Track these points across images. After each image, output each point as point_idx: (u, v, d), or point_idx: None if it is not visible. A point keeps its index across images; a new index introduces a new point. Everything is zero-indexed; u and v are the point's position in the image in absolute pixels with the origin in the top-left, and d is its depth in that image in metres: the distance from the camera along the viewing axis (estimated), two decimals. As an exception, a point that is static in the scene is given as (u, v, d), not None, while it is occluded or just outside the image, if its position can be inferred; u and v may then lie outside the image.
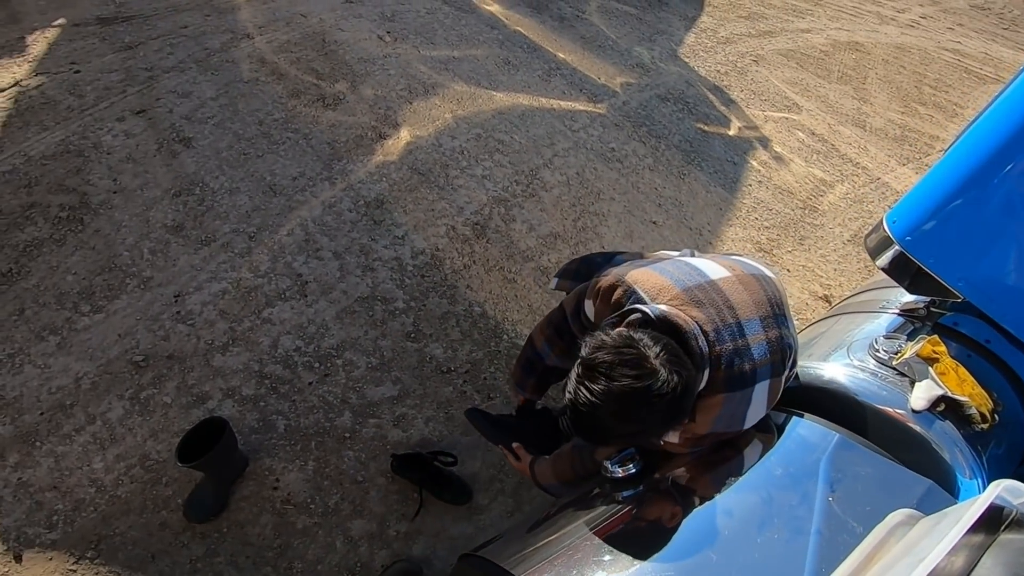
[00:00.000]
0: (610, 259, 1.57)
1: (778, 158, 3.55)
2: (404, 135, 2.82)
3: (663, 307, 1.07)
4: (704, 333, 1.05)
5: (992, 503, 0.79)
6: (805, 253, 3.06)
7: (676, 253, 1.38)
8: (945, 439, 1.19)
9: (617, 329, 1.03)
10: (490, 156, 2.85)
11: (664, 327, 1.04)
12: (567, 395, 1.02)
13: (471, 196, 2.65)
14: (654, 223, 2.83)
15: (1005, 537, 0.78)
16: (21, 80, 2.72)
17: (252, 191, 2.44)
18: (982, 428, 1.20)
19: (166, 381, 1.87)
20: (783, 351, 1.15)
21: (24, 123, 2.53)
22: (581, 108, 3.36)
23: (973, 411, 1.20)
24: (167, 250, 2.19)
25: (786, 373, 1.18)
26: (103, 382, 1.84)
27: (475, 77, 3.29)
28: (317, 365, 2.00)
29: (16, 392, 1.78)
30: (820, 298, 2.89)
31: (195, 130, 2.62)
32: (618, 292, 1.16)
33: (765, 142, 3.62)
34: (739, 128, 3.65)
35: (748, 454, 1.15)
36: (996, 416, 1.24)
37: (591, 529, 1.06)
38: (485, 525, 1.80)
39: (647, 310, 1.06)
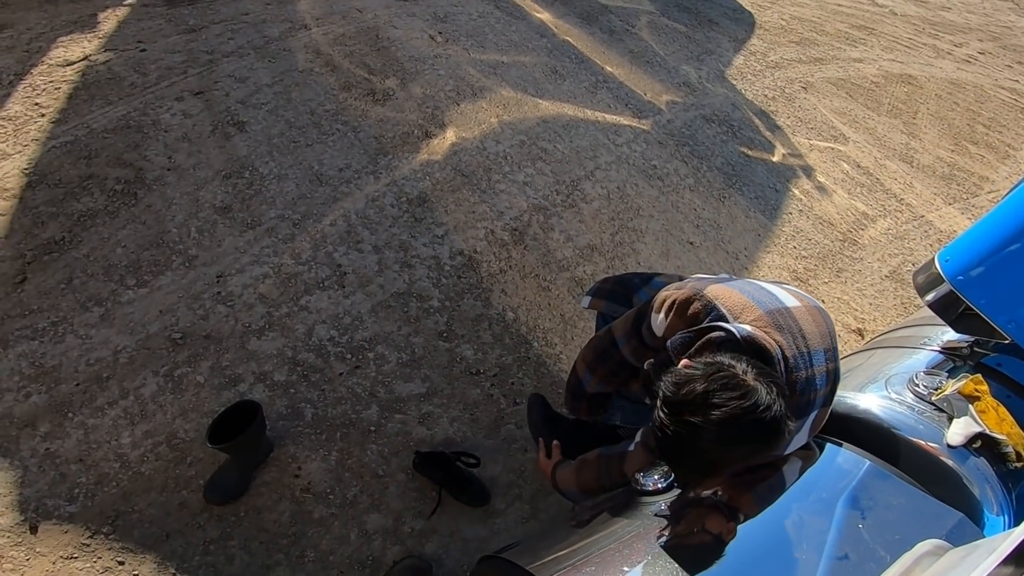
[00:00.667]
0: (648, 280, 1.52)
1: (821, 188, 3.45)
2: (450, 135, 2.81)
3: (748, 328, 1.01)
4: (784, 359, 1.01)
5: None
6: (841, 285, 2.96)
7: (713, 276, 1.33)
8: (977, 475, 1.19)
9: (698, 359, 0.97)
10: (532, 163, 2.83)
11: (749, 349, 0.98)
12: (655, 434, 0.95)
13: (511, 202, 2.62)
14: (691, 244, 2.77)
15: None
16: (90, 55, 2.78)
17: (299, 179, 2.45)
18: (1016, 467, 1.21)
19: (201, 361, 1.88)
20: (835, 383, 1.14)
21: (90, 96, 2.58)
22: (625, 123, 3.31)
23: (1009, 449, 1.20)
24: (214, 230, 2.21)
25: (832, 404, 1.16)
26: (140, 357, 1.85)
27: (522, 84, 3.26)
28: (349, 356, 1.99)
29: (56, 361, 1.80)
30: (853, 331, 2.79)
31: (249, 115, 2.64)
32: (696, 306, 1.10)
33: (809, 171, 3.53)
34: (783, 155, 3.56)
35: (778, 479, 1.12)
36: None
37: (617, 539, 1.05)
38: (500, 529, 1.76)
39: (732, 328, 1.00)
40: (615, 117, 3.31)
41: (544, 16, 3.95)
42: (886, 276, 3.10)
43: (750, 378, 0.90)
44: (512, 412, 1.98)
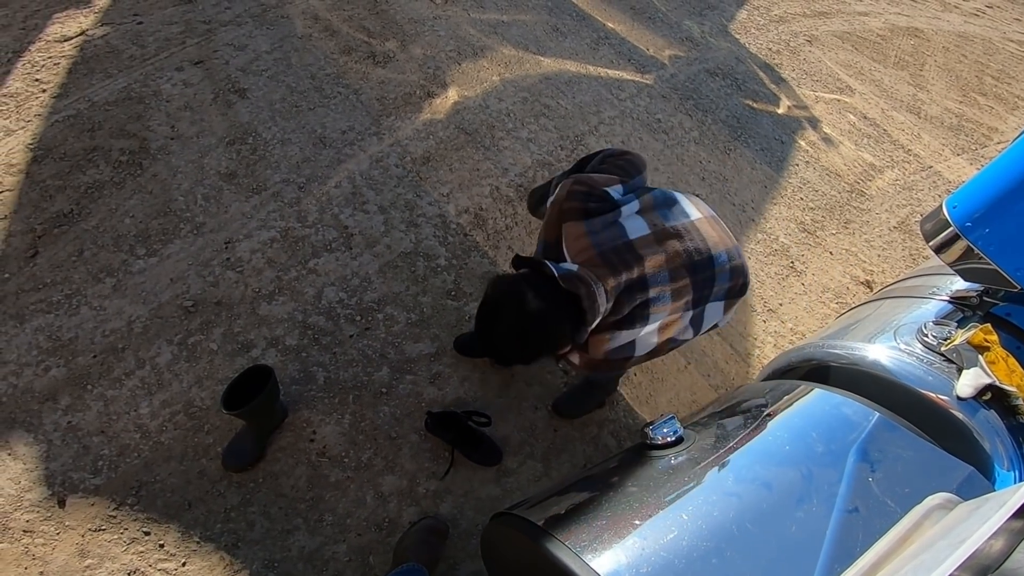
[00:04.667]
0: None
1: (827, 139, 3.20)
2: (452, 95, 2.60)
3: (572, 268, 1.15)
4: (600, 294, 1.11)
5: None
6: (849, 237, 2.76)
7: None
8: (987, 428, 1.12)
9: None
10: (536, 120, 2.61)
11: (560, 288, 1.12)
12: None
13: (516, 158, 2.43)
14: (697, 195, 2.56)
15: None
16: (87, 30, 2.57)
17: (303, 143, 2.27)
18: None
19: (213, 328, 1.75)
20: (744, 275, 1.29)
21: (89, 70, 2.39)
22: (628, 78, 3.06)
23: (1020, 402, 1.12)
24: (220, 197, 2.05)
25: (746, 295, 1.31)
26: (154, 326, 1.73)
27: (523, 42, 3.01)
28: (359, 318, 1.86)
29: (72, 333, 1.68)
30: (862, 283, 2.61)
31: (250, 82, 2.44)
32: (567, 205, 1.24)
33: (815, 123, 3.26)
34: (789, 107, 3.30)
35: (789, 426, 1.08)
36: None
37: (628, 493, 0.95)
38: (513, 488, 1.65)
39: (553, 270, 1.12)
40: (618, 72, 3.06)
41: (543, -26, 3.63)
42: (894, 227, 2.88)
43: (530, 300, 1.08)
44: (522, 370, 1.85)
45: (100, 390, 1.60)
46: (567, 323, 1.11)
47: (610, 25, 3.38)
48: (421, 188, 2.20)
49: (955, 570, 0.64)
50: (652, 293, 1.18)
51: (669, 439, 1.04)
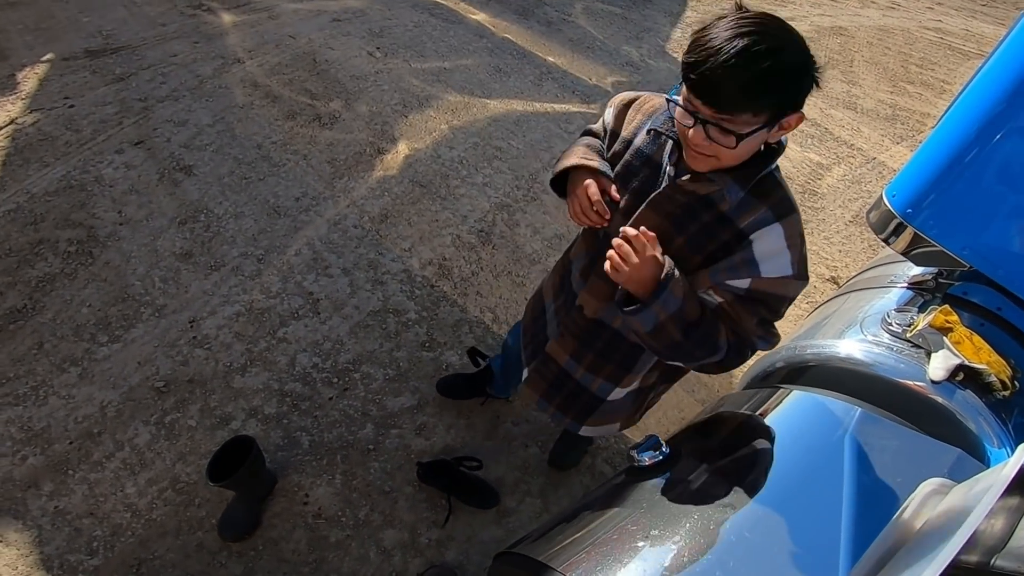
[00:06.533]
0: None
1: (774, 147, 3.67)
2: (402, 148, 2.93)
3: None
4: None
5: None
6: (809, 236, 3.14)
7: None
8: (968, 409, 1.20)
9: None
10: (489, 163, 2.96)
11: None
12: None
13: (474, 204, 2.75)
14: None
15: None
16: (16, 118, 2.82)
17: (257, 214, 2.53)
18: (1004, 396, 1.22)
19: (189, 405, 1.95)
20: None
21: (24, 160, 2.62)
22: (575, 110, 3.48)
23: (993, 379, 1.21)
24: (178, 277, 2.28)
25: None
26: (127, 409, 1.91)
27: (468, 87, 3.41)
28: (335, 380, 2.08)
29: (44, 423, 1.86)
30: (828, 280, 2.99)
31: (195, 157, 2.71)
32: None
33: (760, 132, 3.75)
34: (733, 120, 3.78)
35: (773, 432, 1.18)
36: (1017, 383, 1.26)
37: (623, 517, 1.09)
38: (515, 527, 1.87)
39: None
40: (564, 106, 3.48)
41: (480, 17, 4.11)
42: (849, 221, 3.32)
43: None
44: (507, 410, 2.09)
45: (82, 474, 1.77)
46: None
47: (551, 59, 3.84)
48: (382, 246, 2.49)
49: (959, 553, 0.67)
50: None
51: (657, 459, 1.16)
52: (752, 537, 0.96)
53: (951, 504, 0.90)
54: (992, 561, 0.71)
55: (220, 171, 2.68)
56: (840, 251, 3.15)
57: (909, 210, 1.34)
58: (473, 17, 4.09)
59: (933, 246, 1.39)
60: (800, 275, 1.04)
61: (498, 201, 2.80)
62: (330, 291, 2.33)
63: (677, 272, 1.04)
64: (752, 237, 1.01)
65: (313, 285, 2.34)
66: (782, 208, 1.02)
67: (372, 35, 3.67)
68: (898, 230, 1.43)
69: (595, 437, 2.01)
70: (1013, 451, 1.17)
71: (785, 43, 0.88)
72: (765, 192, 1.02)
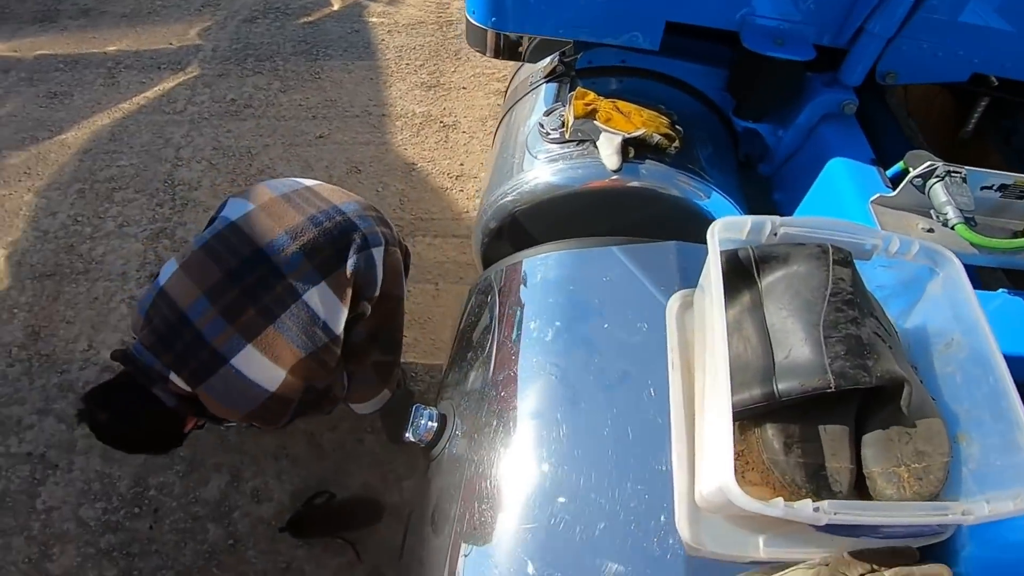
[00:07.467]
0: None
1: (393, 2, 3.47)
2: (-6, 253, 2.28)
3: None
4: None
5: (728, 251, 0.74)
6: (464, 64, 3.11)
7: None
8: (659, 177, 1.16)
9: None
10: (110, 201, 2.43)
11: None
12: None
13: (124, 253, 2.26)
14: (321, 137, 2.67)
15: (765, 280, 0.74)
16: None
17: None
18: (676, 148, 1.18)
19: None
20: (384, 224, 1.38)
21: None
22: (172, 85, 2.94)
23: (656, 138, 1.16)
24: None
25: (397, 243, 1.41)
26: None
27: (26, 135, 2.69)
28: (137, 510, 1.73)
29: None
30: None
31: None
32: None
33: (369, -8, 3.50)
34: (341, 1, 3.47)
35: (520, 328, 1.00)
36: (678, 128, 1.21)
37: (436, 492, 0.93)
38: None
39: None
40: (157, 88, 2.92)
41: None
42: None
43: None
44: (314, 424, 1.87)
45: None
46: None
47: (111, 49, 3.16)
48: (58, 363, 1.99)
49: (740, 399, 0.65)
50: (355, 217, 1.31)
51: (432, 429, 0.98)
52: (568, 446, 0.82)
53: (701, 311, 0.79)
54: (774, 388, 0.65)
55: None
56: (503, 63, 3.15)
57: (494, 19, 1.25)
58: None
59: (533, 39, 1.44)
60: None
61: (149, 232, 2.33)
62: (49, 436, 1.84)
63: None
64: None
65: (23, 445, 1.82)
66: None
67: None
68: (501, 42, 1.43)
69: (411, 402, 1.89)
70: (720, 193, 1.17)
71: None
72: None
